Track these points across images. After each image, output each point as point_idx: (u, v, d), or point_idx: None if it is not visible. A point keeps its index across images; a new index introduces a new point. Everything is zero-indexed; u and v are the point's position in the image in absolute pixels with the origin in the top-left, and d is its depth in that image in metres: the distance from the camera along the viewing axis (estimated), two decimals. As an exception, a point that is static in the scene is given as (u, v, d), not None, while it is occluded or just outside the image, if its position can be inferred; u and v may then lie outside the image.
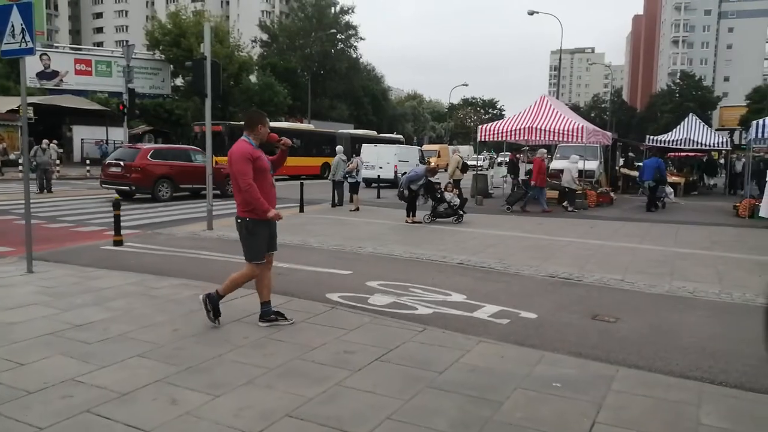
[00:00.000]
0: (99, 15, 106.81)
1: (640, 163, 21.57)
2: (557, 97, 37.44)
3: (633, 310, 6.05)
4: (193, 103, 39.12)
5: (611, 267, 8.26)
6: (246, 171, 4.84)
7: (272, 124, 27.19)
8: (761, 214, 13.48)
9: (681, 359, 4.65)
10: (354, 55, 65.37)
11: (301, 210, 14.77)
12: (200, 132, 26.99)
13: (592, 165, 21.38)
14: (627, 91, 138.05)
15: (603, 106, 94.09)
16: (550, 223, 13.49)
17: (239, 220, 5.03)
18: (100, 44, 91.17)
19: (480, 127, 19.12)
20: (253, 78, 48.63)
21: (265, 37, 64.65)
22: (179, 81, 45.78)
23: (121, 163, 16.55)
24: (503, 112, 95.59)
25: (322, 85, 60.32)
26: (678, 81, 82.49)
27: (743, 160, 24.33)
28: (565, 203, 16.65)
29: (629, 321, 5.67)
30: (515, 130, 17.98)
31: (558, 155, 24.23)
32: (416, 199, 13.55)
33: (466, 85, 72.04)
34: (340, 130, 37.60)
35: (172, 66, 42.67)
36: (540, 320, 5.65)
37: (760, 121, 15.56)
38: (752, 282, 7.40)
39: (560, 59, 44.94)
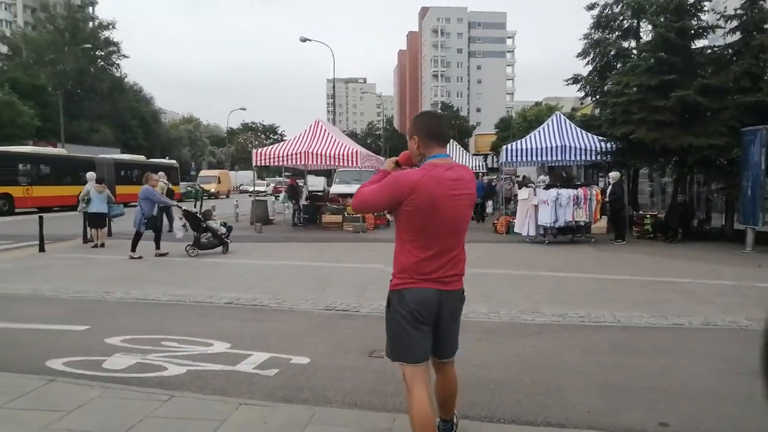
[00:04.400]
0: None
1: None
2: (334, 124, 38.37)
3: (410, 341, 5.73)
4: None
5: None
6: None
7: (16, 148, 22.95)
8: (515, 230, 14.82)
9: (458, 395, 4.34)
10: (117, 74, 59.89)
11: (42, 249, 12.36)
12: None
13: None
14: (397, 119, 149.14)
15: (377, 133, 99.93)
16: (332, 249, 13.18)
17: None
18: None
19: (255, 151, 18.30)
20: (-12, 95, 41.48)
21: (5, 49, 56.03)
22: None
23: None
24: (284, 137, 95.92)
25: (80, 106, 54.01)
26: (439, 111, 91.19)
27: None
28: None
29: (407, 355, 5.30)
30: (291, 154, 17.54)
31: (337, 180, 24.53)
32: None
33: (244, 109, 70.40)
34: (100, 155, 33.67)
35: None
36: (313, 365, 5.00)
37: (509, 146, 17.29)
38: (515, 297, 7.73)
39: (334, 87, 46.63)
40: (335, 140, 17.96)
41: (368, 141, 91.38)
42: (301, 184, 24.98)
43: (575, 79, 19.86)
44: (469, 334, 5.99)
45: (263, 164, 18.41)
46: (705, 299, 7.70)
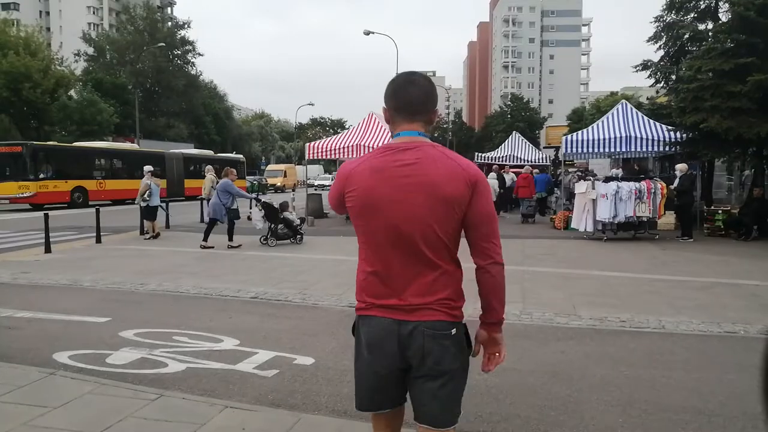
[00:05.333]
0: None
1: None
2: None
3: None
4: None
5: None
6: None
7: (90, 143, 23.92)
8: (572, 225, 14.06)
9: (464, 405, 3.99)
10: (193, 72, 62.17)
11: (98, 240, 12.84)
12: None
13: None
14: (466, 112, 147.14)
15: (445, 126, 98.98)
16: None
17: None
18: None
19: (308, 145, 18.34)
20: (74, 94, 44.07)
21: (90, 50, 59.33)
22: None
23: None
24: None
25: (158, 103, 56.51)
26: (509, 103, 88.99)
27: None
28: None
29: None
30: (343, 147, 17.44)
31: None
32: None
33: (312, 104, 71.80)
34: (171, 150, 35.00)
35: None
36: (315, 367, 4.77)
37: (569, 137, 16.42)
38: (554, 298, 7.21)
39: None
40: (388, 132, 17.69)
41: (435, 134, 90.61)
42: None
43: (644, 65, 18.65)
44: (491, 338, 5.60)
45: (316, 157, 18.42)
46: (770, 305, 6.91)
